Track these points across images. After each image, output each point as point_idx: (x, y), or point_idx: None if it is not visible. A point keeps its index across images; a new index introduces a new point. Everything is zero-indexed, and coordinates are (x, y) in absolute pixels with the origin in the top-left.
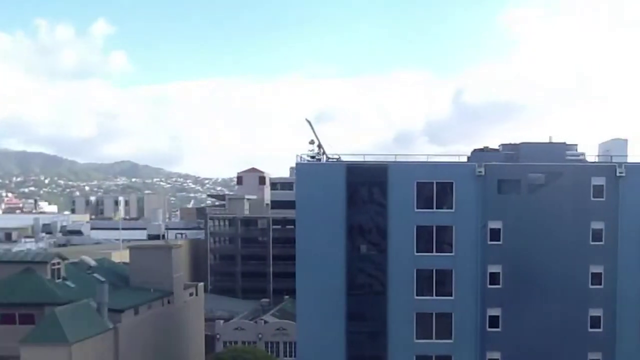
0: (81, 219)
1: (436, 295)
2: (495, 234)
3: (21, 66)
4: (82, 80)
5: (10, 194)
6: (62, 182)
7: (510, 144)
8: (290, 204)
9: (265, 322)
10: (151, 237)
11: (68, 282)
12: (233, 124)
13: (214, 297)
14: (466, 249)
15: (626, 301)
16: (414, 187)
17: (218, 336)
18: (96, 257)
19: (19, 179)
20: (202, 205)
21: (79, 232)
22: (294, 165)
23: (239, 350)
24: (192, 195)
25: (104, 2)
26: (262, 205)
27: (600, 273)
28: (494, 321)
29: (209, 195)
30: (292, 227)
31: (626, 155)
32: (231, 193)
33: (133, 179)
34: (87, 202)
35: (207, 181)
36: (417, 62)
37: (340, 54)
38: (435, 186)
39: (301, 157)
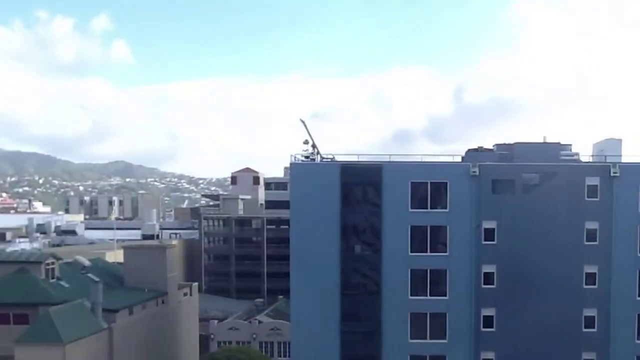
0: (75, 219)
1: (430, 295)
2: (489, 234)
3: (15, 62)
4: (79, 79)
5: (4, 194)
6: (56, 182)
7: (504, 144)
8: (284, 204)
9: (260, 322)
10: (145, 237)
11: (62, 282)
12: (230, 124)
13: (208, 297)
14: (460, 249)
15: (620, 301)
16: (408, 187)
17: (212, 336)
18: (90, 257)
19: (13, 179)
20: (197, 205)
21: (73, 232)
22: (288, 165)
23: (233, 350)
24: (186, 195)
25: (103, 1)
26: (256, 205)
27: (595, 273)
28: (488, 321)
29: (203, 195)
30: (287, 227)
31: (620, 155)
32: (225, 193)
33: (127, 179)
34: (81, 202)
35: (201, 181)
36: (417, 62)
37: (340, 54)
38: (429, 186)
39: (295, 157)
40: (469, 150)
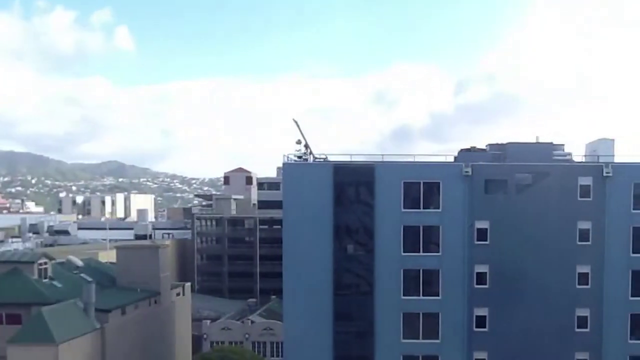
0: (68, 219)
1: (423, 295)
2: (482, 234)
3: (9, 60)
4: (75, 78)
5: None
6: (49, 182)
7: (497, 144)
8: (277, 204)
9: (252, 322)
10: (138, 237)
11: (55, 282)
12: (228, 124)
13: (201, 297)
14: (453, 249)
15: (613, 301)
16: (401, 187)
17: (205, 336)
18: (83, 257)
19: (5, 179)
20: (189, 205)
21: (66, 232)
22: (281, 165)
23: (225, 350)
24: (179, 195)
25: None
26: (249, 205)
27: (587, 273)
28: (480, 321)
29: (196, 195)
30: (279, 227)
31: (613, 155)
32: (218, 193)
33: (120, 179)
34: (74, 202)
35: (194, 181)
36: (417, 60)
37: (340, 52)
38: (422, 186)
39: (288, 157)
40: (461, 150)
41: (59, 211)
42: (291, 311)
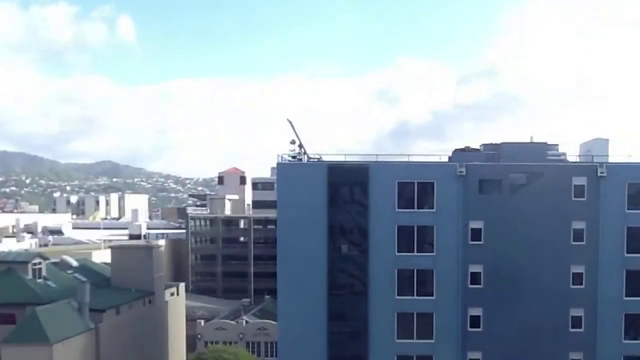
0: (62, 219)
1: (417, 295)
2: (476, 234)
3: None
4: (71, 77)
5: None
6: (43, 182)
7: (491, 144)
8: (271, 204)
9: (247, 322)
10: (132, 237)
11: (49, 282)
12: (225, 123)
13: (195, 297)
14: (447, 249)
15: (607, 301)
16: (395, 187)
17: (199, 336)
18: (77, 257)
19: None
20: (183, 205)
21: (60, 232)
22: (275, 165)
23: (220, 350)
24: (173, 195)
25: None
26: (243, 205)
27: (582, 273)
28: (475, 321)
29: (190, 195)
30: (273, 227)
31: (607, 155)
32: (212, 193)
33: (114, 179)
34: (68, 202)
35: (188, 181)
36: (417, 59)
37: (340, 51)
38: (416, 186)
39: (282, 157)
40: (455, 150)
41: (53, 211)
42: (285, 311)
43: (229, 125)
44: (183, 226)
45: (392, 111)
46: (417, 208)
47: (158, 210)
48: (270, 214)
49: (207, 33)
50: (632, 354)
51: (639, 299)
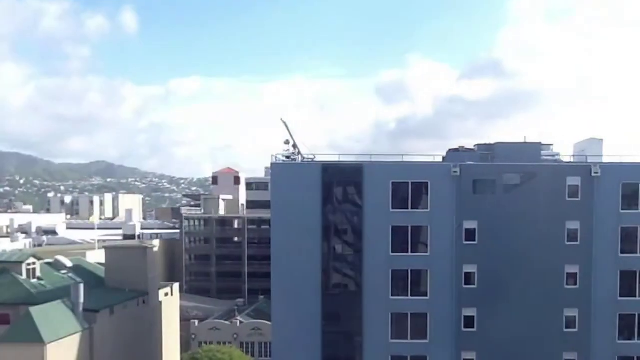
0: (56, 219)
1: (411, 296)
2: (470, 234)
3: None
4: (67, 77)
5: None
6: (37, 182)
7: (485, 144)
8: (265, 204)
9: (241, 322)
10: (126, 237)
11: (43, 282)
12: (219, 124)
13: (190, 297)
14: (441, 249)
15: (601, 301)
16: (389, 187)
17: (193, 336)
18: (71, 257)
19: None
20: (178, 205)
21: (54, 232)
22: (269, 165)
23: (214, 350)
24: (167, 195)
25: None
26: (237, 205)
27: (576, 273)
28: (469, 321)
29: (184, 195)
30: (268, 227)
31: (601, 155)
32: (206, 193)
33: (108, 179)
34: (62, 202)
35: (182, 181)
36: (416, 59)
37: (341, 52)
38: (410, 186)
39: (276, 157)
40: (449, 150)
41: (48, 211)
42: (280, 311)
43: (225, 125)
44: (177, 226)
45: (391, 111)
46: (411, 208)
47: (152, 211)
48: (265, 214)
49: (207, 32)
50: (626, 354)
51: (633, 299)
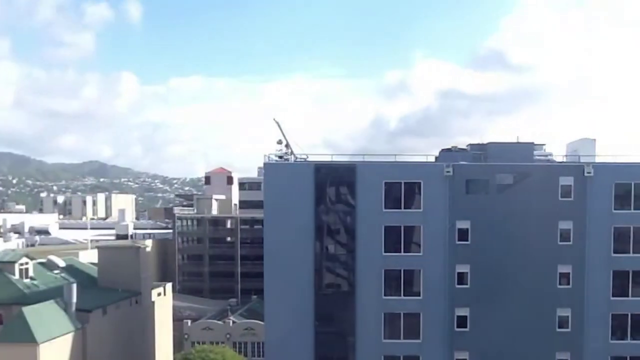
0: (49, 219)
1: (404, 295)
2: (463, 234)
3: None
4: (60, 76)
5: None
6: (30, 182)
7: (478, 144)
8: (258, 204)
9: (233, 322)
10: (119, 237)
11: (36, 282)
12: (215, 124)
13: (182, 297)
14: (434, 249)
15: (594, 301)
16: (382, 187)
17: (186, 336)
18: (64, 257)
19: None
20: (170, 205)
21: (47, 232)
22: (262, 165)
23: (207, 350)
24: (160, 195)
25: None
26: (230, 205)
27: (569, 273)
28: (462, 321)
29: (177, 195)
30: (260, 227)
31: (594, 155)
32: (199, 193)
33: (101, 179)
34: (55, 202)
35: (175, 181)
36: (416, 58)
37: (341, 52)
38: (403, 186)
39: (269, 157)
40: (442, 150)
41: (40, 211)
42: (272, 311)
43: (222, 125)
44: (170, 226)
45: (391, 110)
46: (404, 208)
47: (145, 211)
48: (257, 214)
49: (207, 33)
50: (619, 354)
51: (625, 299)
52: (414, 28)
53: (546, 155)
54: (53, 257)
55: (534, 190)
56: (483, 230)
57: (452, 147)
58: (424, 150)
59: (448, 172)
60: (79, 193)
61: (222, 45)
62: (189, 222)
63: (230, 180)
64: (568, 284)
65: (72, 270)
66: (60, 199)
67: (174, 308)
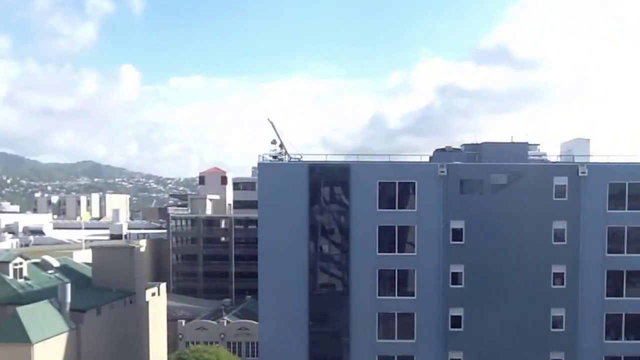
0: (43, 219)
1: (398, 295)
2: (457, 234)
3: None
4: (54, 73)
5: None
6: (24, 182)
7: (472, 144)
8: (252, 204)
9: (228, 322)
10: (113, 237)
11: (30, 282)
12: (212, 123)
13: (177, 297)
14: (428, 249)
15: (588, 301)
16: (376, 187)
17: (180, 336)
18: (58, 257)
19: None
20: (165, 205)
21: (41, 232)
22: (256, 165)
23: (201, 350)
24: (154, 195)
25: None
26: (224, 205)
27: (563, 273)
28: (456, 321)
29: (171, 195)
30: (255, 227)
31: (588, 155)
32: (193, 193)
33: (95, 179)
34: (49, 202)
35: (169, 181)
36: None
37: (340, 52)
38: (397, 186)
39: (263, 157)
40: (436, 150)
41: (34, 211)
42: (266, 311)
43: (219, 125)
44: (164, 226)
45: (391, 110)
46: (398, 208)
47: (139, 211)
48: (252, 214)
49: (207, 33)
50: (613, 354)
51: (619, 299)
52: (414, 27)
53: (540, 155)
54: (47, 257)
55: (528, 191)
56: (477, 230)
57: (447, 147)
58: (424, 149)
59: (442, 172)
60: (73, 193)
61: (222, 45)
62: (183, 222)
63: (224, 180)
64: (562, 284)
65: (66, 270)
66: (55, 199)
67: (168, 308)
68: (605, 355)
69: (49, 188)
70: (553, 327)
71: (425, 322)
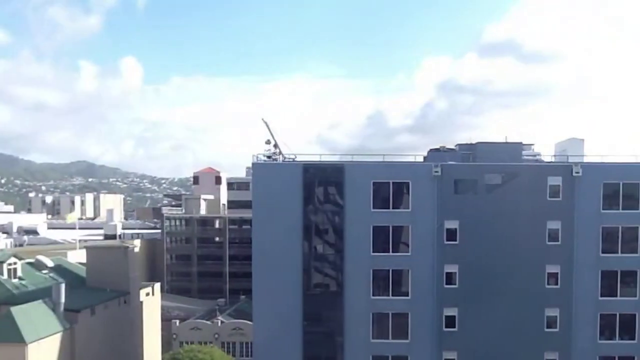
0: (38, 219)
1: (393, 295)
2: (451, 234)
3: None
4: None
5: None
6: (18, 182)
7: (466, 144)
8: (247, 204)
9: (222, 322)
10: (108, 237)
11: (24, 282)
12: (209, 123)
13: (171, 297)
14: (422, 249)
15: (582, 301)
16: (370, 187)
17: (174, 336)
18: (53, 257)
19: None
20: (159, 205)
21: (35, 232)
22: (250, 165)
23: (195, 350)
24: (148, 195)
25: None
26: (218, 205)
27: (557, 273)
28: (450, 321)
29: (165, 195)
30: (249, 227)
31: (582, 155)
32: (187, 193)
33: (89, 179)
34: (44, 202)
35: (163, 181)
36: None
37: (341, 52)
38: (391, 186)
39: (257, 157)
40: (430, 150)
41: (29, 211)
42: (261, 311)
43: (217, 125)
44: (158, 226)
45: (391, 109)
46: (393, 208)
47: (133, 210)
48: (246, 214)
49: (207, 33)
50: (607, 354)
51: (614, 299)
52: (414, 27)
53: (534, 155)
54: (41, 257)
55: (523, 190)
56: (471, 230)
57: (441, 147)
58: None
59: (436, 172)
60: (67, 193)
61: (222, 45)
62: (178, 222)
63: (218, 180)
64: (556, 283)
65: (61, 270)
66: (49, 199)
67: (163, 308)
68: (599, 355)
69: (43, 188)
70: (547, 327)
71: (419, 322)
